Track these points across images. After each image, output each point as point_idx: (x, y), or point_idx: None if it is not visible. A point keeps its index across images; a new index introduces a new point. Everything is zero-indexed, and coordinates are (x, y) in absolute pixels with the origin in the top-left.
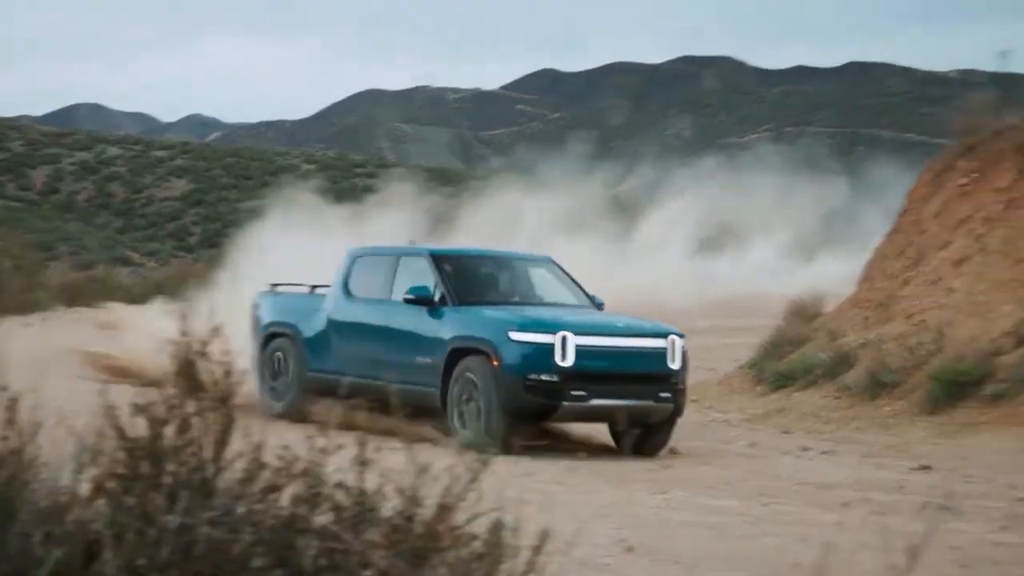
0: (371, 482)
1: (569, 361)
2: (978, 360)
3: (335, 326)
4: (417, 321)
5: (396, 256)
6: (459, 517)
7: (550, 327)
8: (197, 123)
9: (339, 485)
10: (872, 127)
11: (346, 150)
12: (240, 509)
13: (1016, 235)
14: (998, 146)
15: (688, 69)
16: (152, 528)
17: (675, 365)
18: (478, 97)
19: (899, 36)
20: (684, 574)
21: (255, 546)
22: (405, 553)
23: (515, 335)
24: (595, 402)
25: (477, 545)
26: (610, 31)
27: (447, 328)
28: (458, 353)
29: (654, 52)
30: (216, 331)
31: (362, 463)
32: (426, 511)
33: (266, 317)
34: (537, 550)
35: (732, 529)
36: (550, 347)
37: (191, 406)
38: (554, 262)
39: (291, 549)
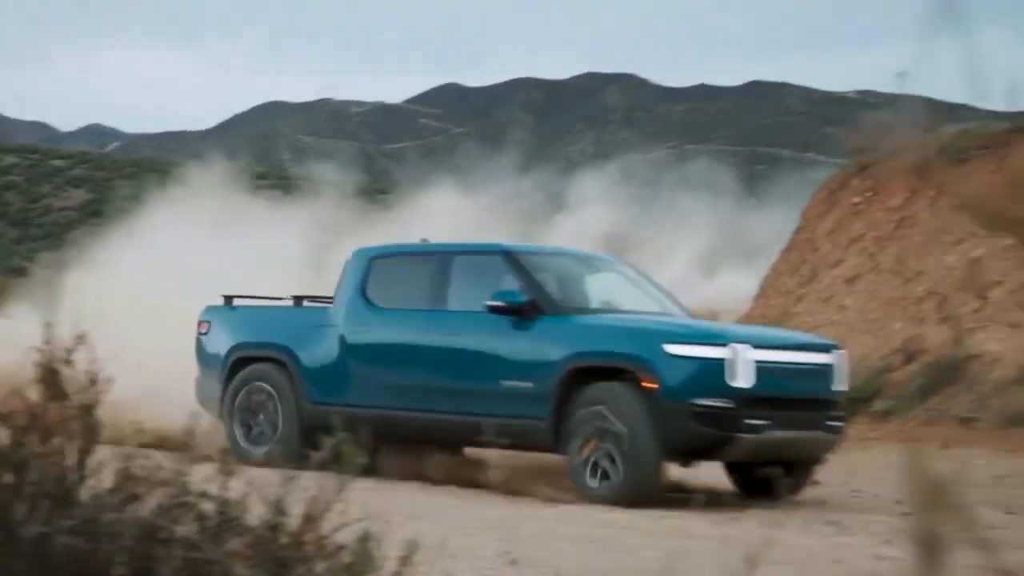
0: (236, 492)
1: (746, 381)
2: (869, 377)
3: (354, 347)
4: (500, 336)
5: (447, 256)
6: (327, 527)
7: (718, 337)
8: (96, 133)
9: (203, 494)
10: (772, 146)
11: (249, 162)
12: (102, 518)
13: (907, 254)
14: (891, 166)
15: (592, 85)
16: (12, 538)
17: (841, 386)
18: (381, 111)
19: (800, 56)
20: None
21: (115, 556)
22: (268, 563)
23: (673, 348)
24: (773, 434)
25: (345, 555)
26: (514, 46)
27: (555, 343)
28: (580, 375)
29: (558, 68)
30: (81, 339)
31: (226, 472)
32: (293, 521)
33: (229, 339)
34: (405, 561)
35: (618, 542)
36: (721, 363)
37: (54, 414)
38: (626, 262)
39: (151, 559)
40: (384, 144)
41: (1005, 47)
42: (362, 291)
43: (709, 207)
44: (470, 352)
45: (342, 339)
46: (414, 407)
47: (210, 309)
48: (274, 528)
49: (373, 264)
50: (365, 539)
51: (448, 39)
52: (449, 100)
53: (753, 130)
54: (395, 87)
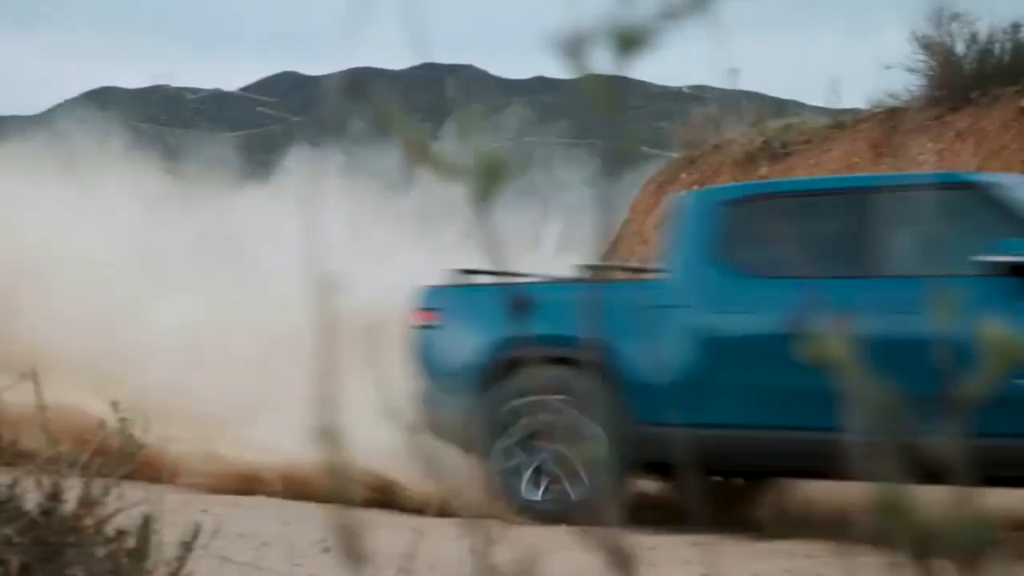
0: (8, 476)
1: None
2: None
3: (722, 336)
4: (1014, 309)
5: (862, 195)
6: (106, 512)
7: None
8: None
9: None
10: (607, 137)
11: (81, 149)
12: None
13: None
14: (717, 159)
15: (431, 76)
16: None
17: None
18: (217, 98)
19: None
20: (377, 572)
21: None
22: (40, 548)
23: None
24: None
25: (129, 541)
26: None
27: None
28: None
29: (397, 58)
30: None
31: None
32: (69, 506)
33: (489, 332)
34: (187, 547)
35: (436, 531)
36: None
37: None
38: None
39: None
40: (220, 132)
41: (832, 48)
42: (717, 253)
43: (546, 200)
44: (957, 337)
45: (696, 325)
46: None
47: (442, 291)
48: (48, 513)
49: (729, 213)
50: (146, 524)
51: (285, 26)
52: (286, 88)
53: (590, 123)
54: (231, 74)
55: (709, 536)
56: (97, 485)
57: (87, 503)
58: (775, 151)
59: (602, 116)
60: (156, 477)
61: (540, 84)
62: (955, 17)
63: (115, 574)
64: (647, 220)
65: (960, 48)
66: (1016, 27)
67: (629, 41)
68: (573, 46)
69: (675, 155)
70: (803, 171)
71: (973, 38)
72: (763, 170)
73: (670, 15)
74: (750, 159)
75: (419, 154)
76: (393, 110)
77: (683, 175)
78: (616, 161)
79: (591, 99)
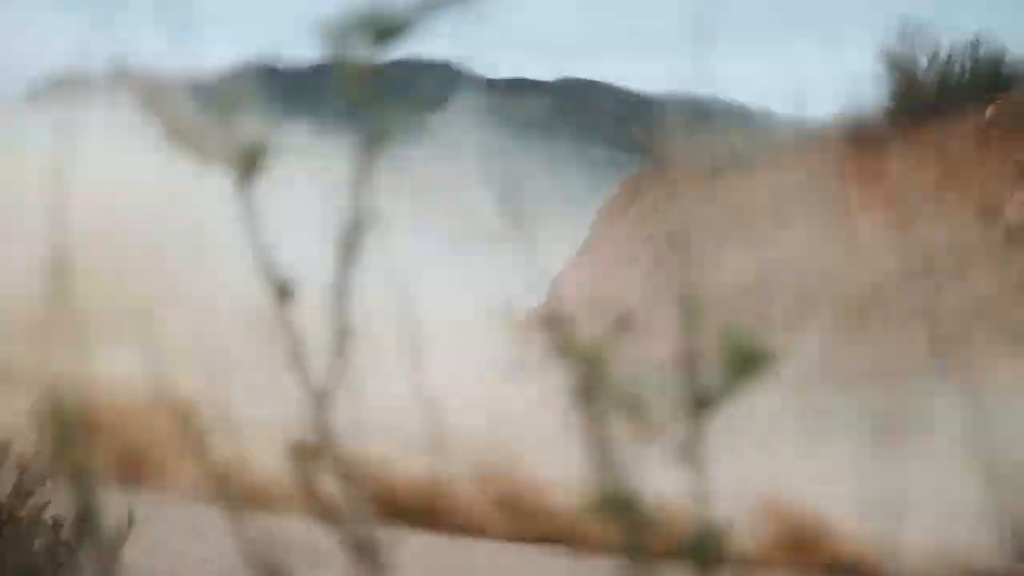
0: None
1: None
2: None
3: None
4: None
5: None
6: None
7: None
8: None
9: None
10: (584, 142)
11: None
12: None
13: (701, 252)
14: (685, 167)
15: (407, 73)
16: None
17: None
18: (192, 85)
19: (613, 56)
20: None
21: None
22: None
23: None
24: None
25: (64, 531)
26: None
27: None
28: None
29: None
30: None
31: None
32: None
33: None
34: (122, 535)
35: None
36: None
37: None
38: None
39: None
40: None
41: (802, 59)
42: None
43: (519, 202)
44: None
45: None
46: None
47: None
48: None
49: None
50: (83, 514)
51: (260, 14)
52: (260, 79)
53: (566, 127)
54: (205, 61)
55: None
56: (31, 476)
57: (21, 493)
58: (742, 160)
59: (358, 103)
60: None
61: (519, 86)
62: (919, 33)
63: (52, 563)
64: (616, 226)
65: (923, 63)
66: (976, 44)
67: (384, 31)
68: (336, 35)
69: (644, 161)
70: (768, 181)
71: (935, 54)
72: (730, 179)
73: (429, 7)
74: (717, 168)
75: (180, 137)
76: (151, 95)
77: (653, 181)
78: (372, 148)
79: (345, 86)
